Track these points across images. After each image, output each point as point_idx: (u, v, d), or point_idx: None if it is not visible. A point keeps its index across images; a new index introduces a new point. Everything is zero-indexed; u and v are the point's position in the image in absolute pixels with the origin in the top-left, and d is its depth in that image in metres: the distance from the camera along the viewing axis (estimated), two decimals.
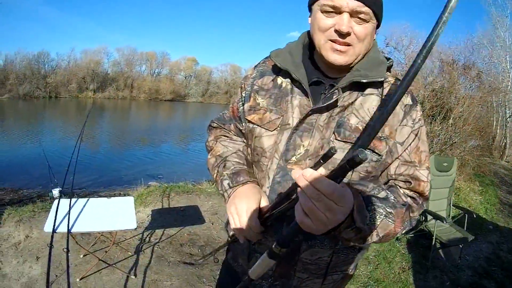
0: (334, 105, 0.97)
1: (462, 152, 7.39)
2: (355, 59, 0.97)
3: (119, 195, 5.79)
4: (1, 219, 3.71)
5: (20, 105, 34.72)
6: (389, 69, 1.04)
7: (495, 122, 13.65)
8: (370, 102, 0.97)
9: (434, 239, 3.69)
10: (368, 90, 0.98)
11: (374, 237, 0.86)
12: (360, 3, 0.89)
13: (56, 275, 2.83)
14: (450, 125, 7.30)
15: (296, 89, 1.03)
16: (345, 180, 0.89)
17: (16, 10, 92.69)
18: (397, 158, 0.98)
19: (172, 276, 3.05)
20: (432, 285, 3.35)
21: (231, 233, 1.09)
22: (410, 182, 0.98)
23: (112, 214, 2.87)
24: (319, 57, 1.02)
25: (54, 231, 2.19)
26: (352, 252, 1.08)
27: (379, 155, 0.96)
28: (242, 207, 0.95)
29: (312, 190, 0.65)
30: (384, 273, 3.44)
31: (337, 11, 0.91)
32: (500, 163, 11.65)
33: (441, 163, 4.12)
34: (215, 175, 1.12)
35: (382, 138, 0.96)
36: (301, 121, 0.98)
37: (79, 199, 3.05)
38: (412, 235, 4.13)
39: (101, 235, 3.44)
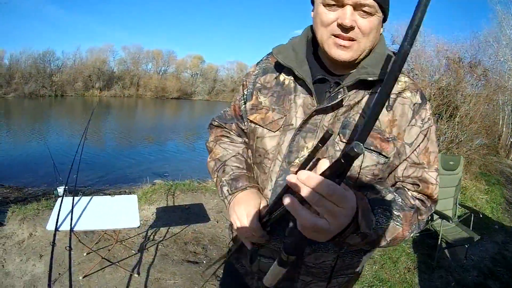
0: (340, 104, 0.92)
1: (468, 150, 7.31)
2: (360, 54, 0.92)
3: (125, 193, 5.80)
4: (5, 217, 3.72)
5: (25, 103, 34.92)
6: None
7: (501, 120, 13.51)
8: None
9: (440, 239, 3.65)
10: (376, 89, 0.92)
11: (381, 242, 0.83)
12: None
13: (59, 273, 2.83)
14: (457, 123, 7.24)
15: (299, 87, 0.98)
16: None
17: (20, 9, 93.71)
18: (405, 159, 0.94)
19: (175, 275, 3.04)
20: (437, 285, 3.32)
21: (231, 236, 1.07)
22: (418, 184, 0.94)
23: (116, 212, 2.87)
24: (323, 53, 0.97)
25: (56, 229, 2.19)
26: (358, 255, 1.04)
27: (387, 157, 0.91)
28: (242, 213, 0.93)
29: (310, 194, 0.60)
30: (390, 272, 3.42)
31: (340, 4, 0.86)
32: (506, 162, 11.52)
33: (447, 162, 4.07)
34: (215, 180, 1.10)
35: (389, 139, 0.91)
36: (305, 122, 0.94)
37: (83, 197, 3.05)
38: (418, 234, 4.09)
39: (105, 233, 3.44)
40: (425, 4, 0.61)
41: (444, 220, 3.64)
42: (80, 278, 2.81)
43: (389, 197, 0.85)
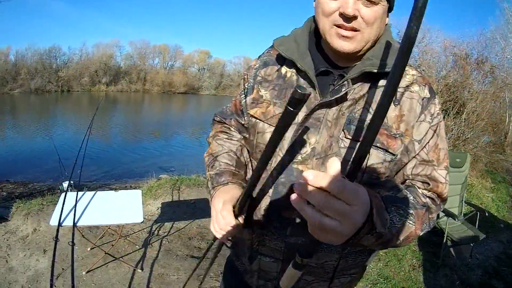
0: (344, 98, 0.87)
1: (474, 148, 7.26)
2: (364, 45, 0.87)
3: (130, 187, 5.81)
4: (10, 212, 3.74)
5: (31, 99, 35.09)
6: None
7: (507, 118, 13.37)
8: None
9: (445, 237, 3.62)
10: (382, 82, 0.87)
11: (394, 242, 0.79)
12: None
13: (63, 268, 2.84)
14: (463, 120, 7.18)
15: (302, 80, 0.94)
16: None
17: (26, 5, 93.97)
18: (414, 157, 0.90)
19: (179, 270, 3.04)
20: (441, 284, 3.29)
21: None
22: (428, 183, 0.90)
23: (119, 208, 2.87)
24: (325, 44, 0.92)
25: (59, 224, 2.20)
26: (361, 255, 1.01)
27: (394, 154, 0.87)
28: (218, 207, 0.90)
29: (318, 196, 0.54)
30: (394, 270, 3.39)
31: None
32: None
33: (454, 159, 4.03)
34: (206, 175, 1.08)
35: (397, 135, 0.86)
36: (307, 116, 0.89)
37: (87, 192, 3.06)
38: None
39: (109, 228, 3.44)
40: None
41: (450, 218, 3.60)
42: (84, 273, 2.82)
43: (401, 194, 0.82)
